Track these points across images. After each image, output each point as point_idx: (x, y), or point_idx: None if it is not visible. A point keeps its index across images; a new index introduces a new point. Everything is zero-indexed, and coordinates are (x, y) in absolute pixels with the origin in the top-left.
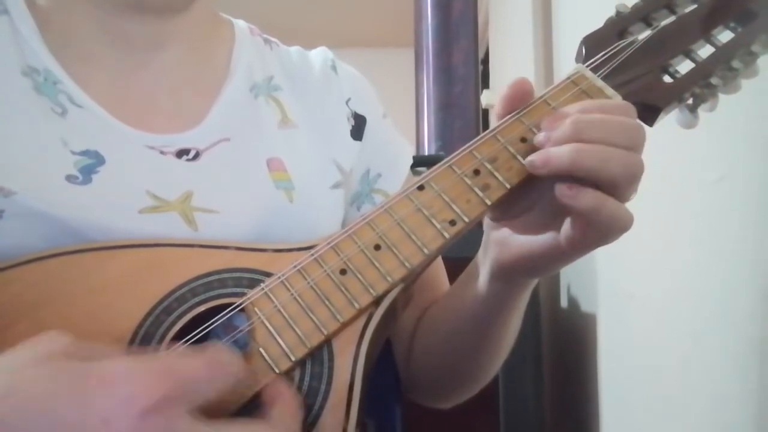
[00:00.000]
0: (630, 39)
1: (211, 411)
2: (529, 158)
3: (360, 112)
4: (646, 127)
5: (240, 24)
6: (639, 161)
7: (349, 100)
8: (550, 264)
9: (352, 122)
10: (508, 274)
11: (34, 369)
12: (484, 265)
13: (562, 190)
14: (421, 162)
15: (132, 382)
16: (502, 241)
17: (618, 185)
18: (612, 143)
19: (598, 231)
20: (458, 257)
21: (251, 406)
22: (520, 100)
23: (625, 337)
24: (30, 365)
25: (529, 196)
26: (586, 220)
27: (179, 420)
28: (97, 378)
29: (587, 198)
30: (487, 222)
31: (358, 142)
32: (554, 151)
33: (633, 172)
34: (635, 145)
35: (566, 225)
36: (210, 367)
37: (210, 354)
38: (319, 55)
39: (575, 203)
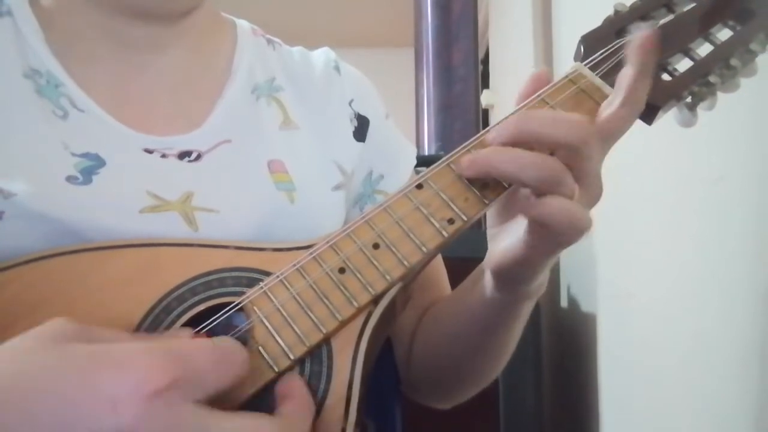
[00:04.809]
0: (629, 37)
1: (216, 403)
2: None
3: (363, 113)
4: (645, 126)
5: (243, 24)
6: (554, 163)
7: (351, 101)
8: (523, 270)
9: (355, 123)
10: (500, 282)
11: (42, 352)
12: (486, 273)
13: (520, 205)
14: (421, 162)
15: (141, 365)
16: (491, 251)
17: (533, 187)
18: (551, 136)
19: (556, 233)
20: (458, 257)
21: (260, 402)
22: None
23: (625, 337)
24: (37, 348)
25: (518, 199)
26: (538, 223)
27: (186, 406)
28: (106, 360)
29: (538, 206)
30: (488, 232)
31: (360, 143)
32: (501, 125)
33: (547, 175)
34: (576, 140)
35: (522, 229)
36: (220, 356)
37: (219, 344)
38: (322, 55)
39: (530, 212)
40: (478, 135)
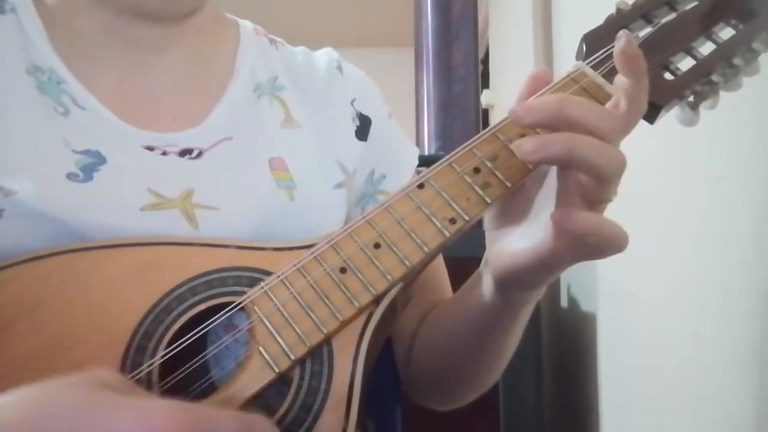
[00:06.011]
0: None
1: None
2: (512, 109)
3: (365, 112)
4: (647, 125)
5: (246, 24)
6: (622, 155)
7: (354, 100)
8: (535, 277)
9: (357, 122)
10: (502, 287)
11: (73, 390)
12: (485, 276)
13: (556, 218)
14: (421, 162)
15: (160, 417)
16: (496, 254)
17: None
18: (590, 122)
19: (592, 248)
20: (458, 257)
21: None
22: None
23: (625, 337)
24: (66, 387)
25: (522, 201)
26: (578, 239)
27: None
28: (128, 406)
29: (581, 221)
30: (487, 235)
31: (362, 142)
32: (538, 103)
33: (616, 165)
34: (611, 129)
35: (544, 235)
36: (245, 428)
37: (246, 418)
38: (325, 55)
39: (571, 227)
40: (479, 135)
